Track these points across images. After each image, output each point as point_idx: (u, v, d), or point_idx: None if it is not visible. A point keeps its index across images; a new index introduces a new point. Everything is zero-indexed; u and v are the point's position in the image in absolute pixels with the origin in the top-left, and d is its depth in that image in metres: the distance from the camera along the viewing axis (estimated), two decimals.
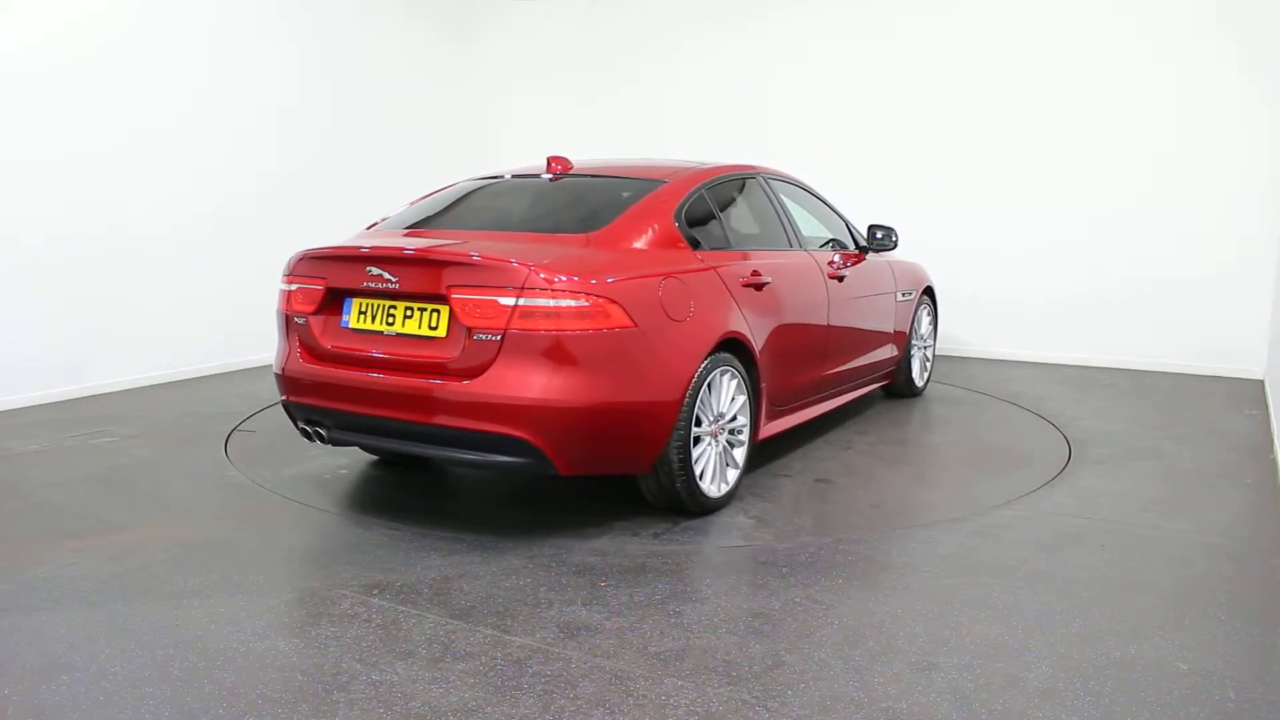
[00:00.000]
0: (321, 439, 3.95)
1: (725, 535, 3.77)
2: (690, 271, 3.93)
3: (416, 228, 4.24)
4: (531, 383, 3.41)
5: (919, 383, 6.31)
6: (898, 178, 7.86)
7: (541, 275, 3.43)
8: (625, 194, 4.17)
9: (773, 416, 4.47)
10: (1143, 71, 7.03)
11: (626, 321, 3.53)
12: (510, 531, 3.80)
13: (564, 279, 3.45)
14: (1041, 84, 7.35)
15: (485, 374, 3.45)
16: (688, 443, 3.75)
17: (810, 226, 5.40)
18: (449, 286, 3.53)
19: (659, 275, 3.76)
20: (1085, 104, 7.22)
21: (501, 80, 9.37)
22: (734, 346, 4.06)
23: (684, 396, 3.71)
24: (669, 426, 3.68)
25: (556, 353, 3.41)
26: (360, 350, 3.77)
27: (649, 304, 3.65)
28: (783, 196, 5.07)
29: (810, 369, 4.80)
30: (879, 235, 5.54)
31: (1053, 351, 7.54)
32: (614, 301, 3.51)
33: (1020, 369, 7.29)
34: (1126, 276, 7.23)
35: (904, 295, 5.92)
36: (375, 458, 4.75)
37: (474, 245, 3.75)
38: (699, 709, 2.47)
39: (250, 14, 7.06)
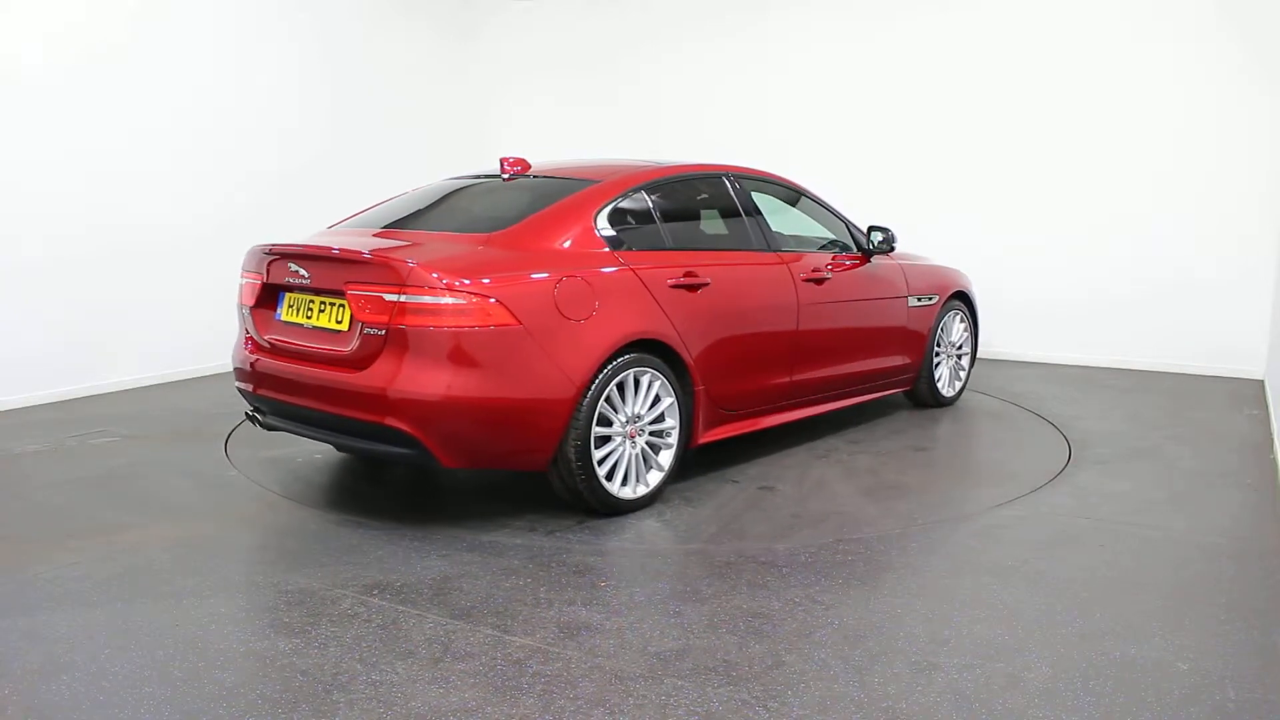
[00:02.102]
0: (261, 425, 4.18)
1: (617, 537, 3.75)
2: (599, 271, 3.93)
3: (363, 227, 4.38)
4: (410, 376, 3.54)
5: (946, 392, 6.00)
6: (897, 178, 7.85)
7: (425, 273, 3.55)
8: (552, 195, 4.22)
9: (721, 420, 4.43)
10: (1143, 73, 7.03)
11: (509, 319, 3.59)
12: (510, 531, 3.80)
13: (444, 277, 3.54)
14: (1041, 85, 7.35)
15: (371, 367, 3.62)
16: (588, 442, 3.76)
17: (803, 229, 5.33)
18: (346, 283, 3.70)
19: (556, 275, 3.77)
20: (1086, 105, 7.22)
21: (501, 80, 9.37)
22: (658, 347, 4.06)
23: (579, 395, 3.72)
24: (561, 424, 3.71)
25: (435, 348, 3.53)
26: (288, 342, 3.98)
27: (538, 302, 3.68)
28: (755, 197, 4.94)
29: (773, 374, 4.69)
30: (877, 238, 5.34)
31: (1053, 351, 7.54)
32: (495, 300, 3.58)
33: (1021, 369, 7.29)
34: (1127, 277, 7.22)
35: (921, 300, 5.66)
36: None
37: (375, 244, 3.95)
38: (699, 709, 2.47)
39: (250, 14, 7.06)
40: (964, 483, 4.57)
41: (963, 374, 6.19)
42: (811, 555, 3.54)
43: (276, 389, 3.98)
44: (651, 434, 4.07)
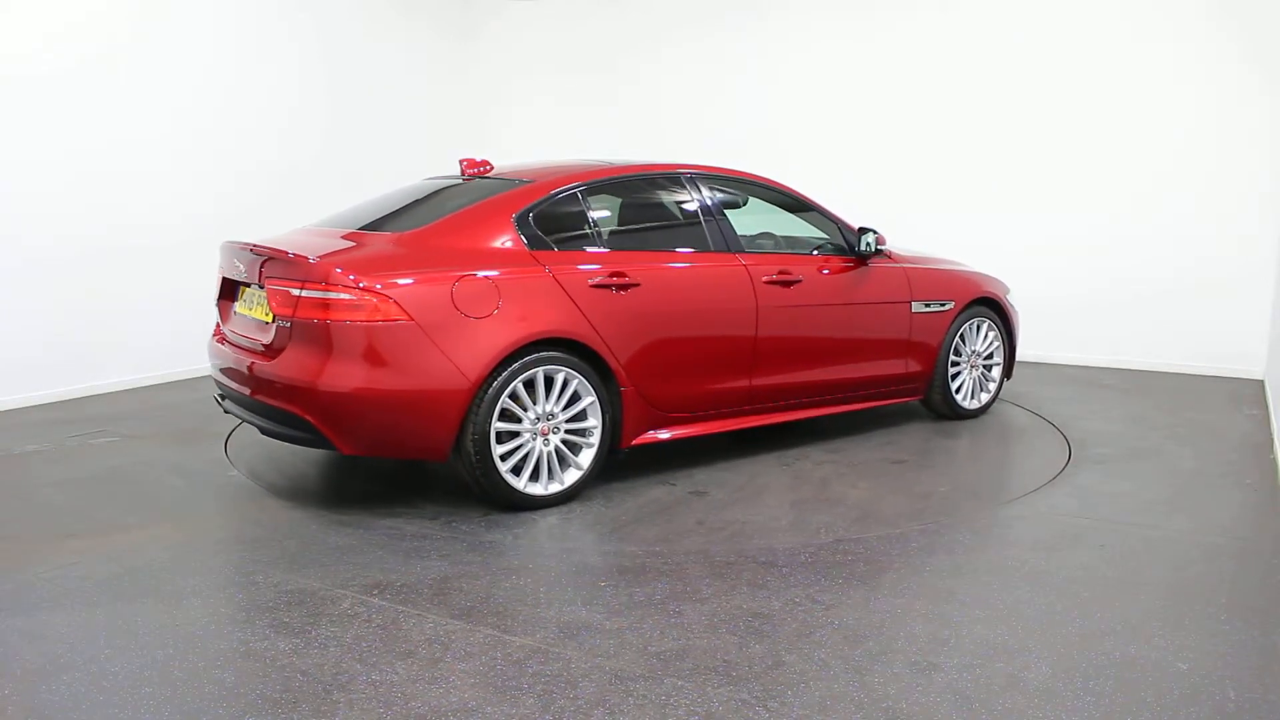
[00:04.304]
0: (224, 409, 4.41)
1: (508, 530, 3.80)
2: (507, 271, 3.99)
3: (322, 226, 4.53)
4: (306, 366, 3.78)
5: (967, 404, 5.64)
6: (897, 179, 7.85)
7: (323, 269, 3.78)
8: (483, 195, 4.32)
9: (661, 423, 4.41)
10: (1144, 73, 7.03)
11: (400, 315, 3.74)
12: (509, 531, 3.80)
13: (349, 275, 3.75)
14: (1042, 85, 7.35)
15: (279, 356, 3.89)
16: (487, 436, 3.84)
17: (786, 230, 5.24)
18: (265, 278, 3.98)
19: (456, 273, 3.88)
20: (1086, 105, 7.21)
21: (501, 80, 9.37)
22: (579, 347, 4.08)
23: (474, 390, 3.81)
24: (455, 418, 3.81)
25: (328, 340, 3.74)
26: (238, 332, 4.28)
27: (433, 299, 3.81)
28: (721, 198, 4.83)
29: (726, 378, 4.59)
30: (869, 239, 5.10)
31: (1053, 351, 7.53)
32: (385, 296, 3.74)
33: (1021, 369, 7.26)
34: (1127, 277, 7.22)
35: (930, 306, 5.38)
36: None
37: (300, 241, 4.16)
38: (699, 709, 2.47)
39: (250, 14, 7.06)
40: (909, 498, 4.26)
41: (991, 385, 5.79)
42: (811, 555, 3.54)
43: (229, 376, 4.24)
44: (572, 433, 4.11)
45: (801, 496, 4.27)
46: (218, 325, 4.54)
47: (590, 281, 4.16)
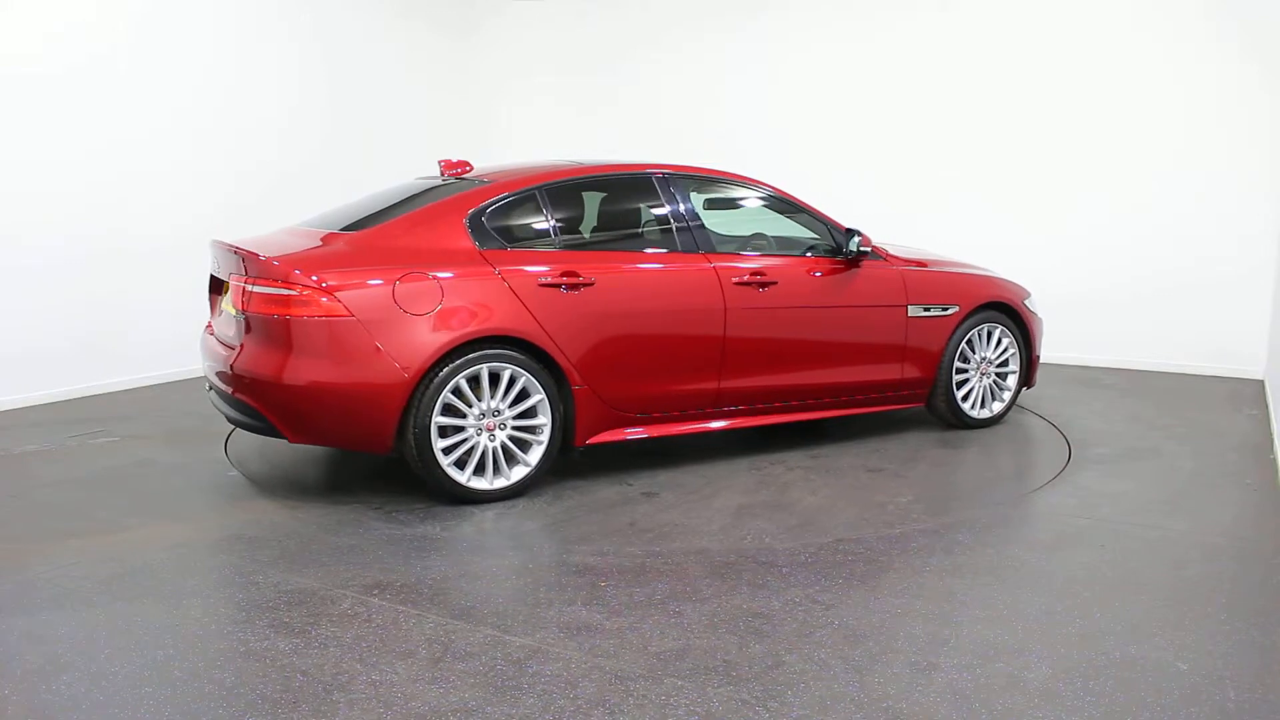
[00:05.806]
0: (211, 402, 4.54)
1: (441, 523, 3.86)
2: (453, 269, 4.07)
3: (303, 226, 4.62)
4: (255, 358, 3.99)
5: (975, 413, 5.40)
6: (898, 178, 7.85)
7: (271, 266, 3.96)
8: (439, 196, 4.42)
9: (620, 423, 4.41)
10: (1144, 72, 7.02)
11: (341, 311, 3.87)
12: (510, 531, 3.80)
13: (300, 274, 3.90)
14: (1041, 85, 7.34)
15: (237, 348, 4.10)
16: (427, 430, 3.94)
17: (772, 230, 5.21)
18: (230, 274, 4.22)
19: (398, 271, 3.98)
20: (1086, 104, 7.21)
21: (501, 80, 9.37)
22: (526, 345, 4.13)
23: (413, 385, 3.91)
24: (394, 412, 3.92)
25: (272, 334, 3.94)
26: (220, 327, 4.44)
27: (373, 296, 3.93)
28: (690, 198, 4.78)
29: (691, 379, 4.54)
30: (855, 241, 4.96)
31: (1053, 351, 7.52)
32: (326, 292, 3.87)
33: None
34: (1127, 276, 7.21)
35: (929, 310, 5.19)
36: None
37: (265, 240, 4.35)
38: (699, 709, 2.47)
39: (250, 15, 7.06)
40: (862, 507, 4.10)
41: (1002, 394, 5.53)
42: (811, 555, 3.54)
43: (212, 368, 4.40)
44: (523, 430, 4.17)
45: (752, 501, 4.20)
46: (209, 320, 4.69)
47: (540, 281, 4.19)
